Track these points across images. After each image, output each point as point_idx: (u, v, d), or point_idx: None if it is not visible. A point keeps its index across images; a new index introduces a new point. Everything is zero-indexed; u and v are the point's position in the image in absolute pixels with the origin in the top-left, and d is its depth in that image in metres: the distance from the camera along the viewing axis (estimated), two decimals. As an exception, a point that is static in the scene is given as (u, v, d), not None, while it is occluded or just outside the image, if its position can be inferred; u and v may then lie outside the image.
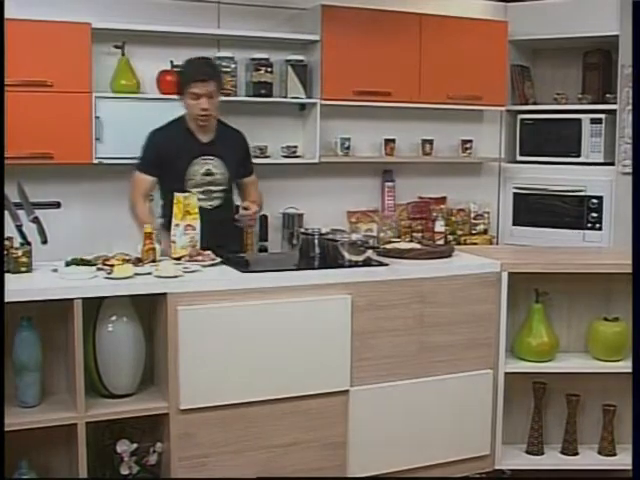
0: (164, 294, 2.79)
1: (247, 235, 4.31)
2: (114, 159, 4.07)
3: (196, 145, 3.61)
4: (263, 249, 4.62)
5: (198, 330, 2.82)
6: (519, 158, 5.24)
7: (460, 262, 3.39)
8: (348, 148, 4.74)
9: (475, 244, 4.88)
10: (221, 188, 3.66)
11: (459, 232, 5.11)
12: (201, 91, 3.49)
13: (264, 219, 4.66)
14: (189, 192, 3.40)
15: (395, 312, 3.14)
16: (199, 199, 3.40)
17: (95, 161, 4.05)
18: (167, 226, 3.42)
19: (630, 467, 2.82)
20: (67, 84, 3.94)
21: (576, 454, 3.49)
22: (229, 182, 3.69)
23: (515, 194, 5.22)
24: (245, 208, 3.64)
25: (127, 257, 3.06)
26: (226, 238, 3.58)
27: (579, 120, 4.97)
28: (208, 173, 3.60)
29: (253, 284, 2.94)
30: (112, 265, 2.90)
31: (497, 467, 3.41)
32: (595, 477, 3.44)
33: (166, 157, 3.55)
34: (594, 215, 4.91)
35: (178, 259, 3.17)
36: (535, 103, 5.28)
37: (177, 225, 3.24)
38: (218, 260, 3.16)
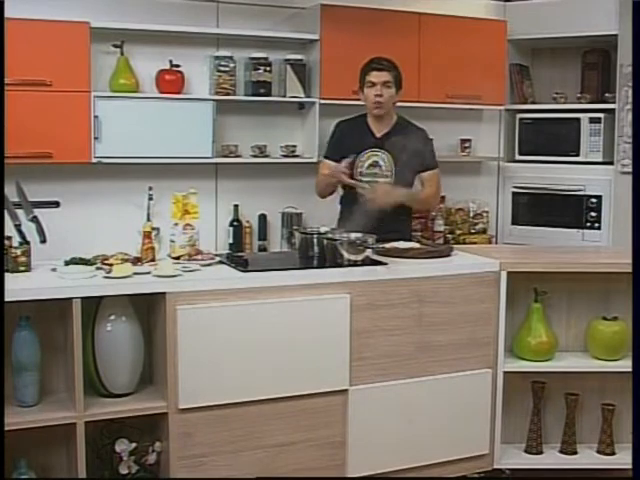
0: (163, 293, 2.80)
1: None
2: (113, 158, 4.07)
3: (369, 138, 3.77)
4: (262, 248, 4.62)
5: (197, 329, 2.82)
6: (518, 157, 5.23)
7: (459, 261, 3.39)
8: (347, 147, 4.73)
9: (474, 243, 4.87)
10: (386, 180, 3.73)
11: (458, 231, 5.10)
12: (377, 79, 3.69)
13: (263, 218, 4.66)
14: (360, 180, 3.69)
15: (394, 311, 3.14)
16: (364, 188, 3.66)
17: (94, 160, 4.04)
18: (342, 219, 3.77)
19: (629, 466, 2.83)
20: (66, 83, 3.93)
21: (575, 453, 3.49)
22: (397, 175, 3.74)
23: (514, 193, 5.21)
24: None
25: (126, 256, 3.06)
26: (388, 228, 3.52)
27: (578, 119, 4.96)
28: (374, 164, 3.73)
29: (252, 283, 2.94)
30: (111, 264, 2.90)
31: (496, 466, 3.41)
32: (594, 476, 3.45)
33: (345, 145, 3.71)
34: (593, 214, 4.91)
35: (177, 258, 3.17)
36: (534, 102, 5.28)
37: (176, 224, 3.27)
38: (217, 259, 3.16)
